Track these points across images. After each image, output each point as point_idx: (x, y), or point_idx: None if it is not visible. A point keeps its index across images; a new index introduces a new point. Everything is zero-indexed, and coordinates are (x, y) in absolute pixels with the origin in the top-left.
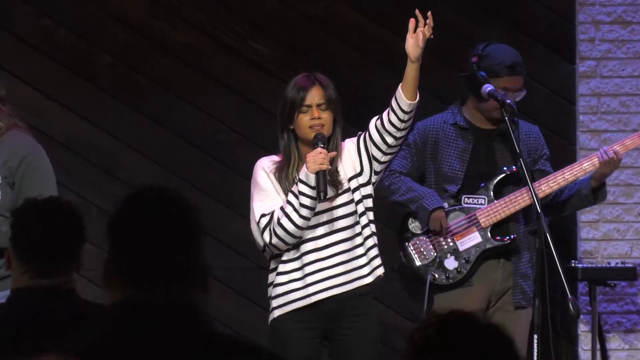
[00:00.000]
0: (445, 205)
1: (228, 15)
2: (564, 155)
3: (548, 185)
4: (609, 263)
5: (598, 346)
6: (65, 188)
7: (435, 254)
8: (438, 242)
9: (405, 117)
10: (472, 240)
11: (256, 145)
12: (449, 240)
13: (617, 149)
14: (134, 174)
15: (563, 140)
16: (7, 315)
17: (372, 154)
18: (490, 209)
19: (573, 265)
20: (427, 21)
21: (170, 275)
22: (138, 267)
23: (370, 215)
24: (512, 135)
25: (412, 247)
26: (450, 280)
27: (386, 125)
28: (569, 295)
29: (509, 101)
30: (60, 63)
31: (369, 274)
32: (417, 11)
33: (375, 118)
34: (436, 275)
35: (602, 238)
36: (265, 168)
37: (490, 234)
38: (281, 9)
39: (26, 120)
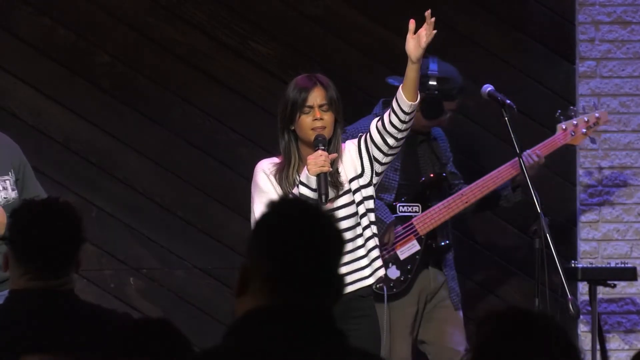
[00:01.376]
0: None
1: (228, 15)
2: (564, 156)
3: (472, 195)
4: (609, 263)
5: (598, 346)
6: (64, 188)
7: None
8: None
9: (406, 118)
10: (411, 248)
11: (256, 145)
12: (390, 250)
13: (539, 152)
14: (134, 173)
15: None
16: (5, 317)
17: (373, 155)
18: (427, 216)
19: (573, 265)
20: (431, 21)
21: (318, 284)
22: (293, 274)
23: (372, 216)
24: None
25: None
26: (394, 290)
27: (387, 127)
28: (569, 296)
29: (508, 101)
30: (60, 63)
31: (370, 275)
32: (427, 12)
33: (376, 119)
34: (380, 286)
35: (602, 238)
36: (265, 170)
37: (428, 241)
38: (281, 9)
39: (25, 119)
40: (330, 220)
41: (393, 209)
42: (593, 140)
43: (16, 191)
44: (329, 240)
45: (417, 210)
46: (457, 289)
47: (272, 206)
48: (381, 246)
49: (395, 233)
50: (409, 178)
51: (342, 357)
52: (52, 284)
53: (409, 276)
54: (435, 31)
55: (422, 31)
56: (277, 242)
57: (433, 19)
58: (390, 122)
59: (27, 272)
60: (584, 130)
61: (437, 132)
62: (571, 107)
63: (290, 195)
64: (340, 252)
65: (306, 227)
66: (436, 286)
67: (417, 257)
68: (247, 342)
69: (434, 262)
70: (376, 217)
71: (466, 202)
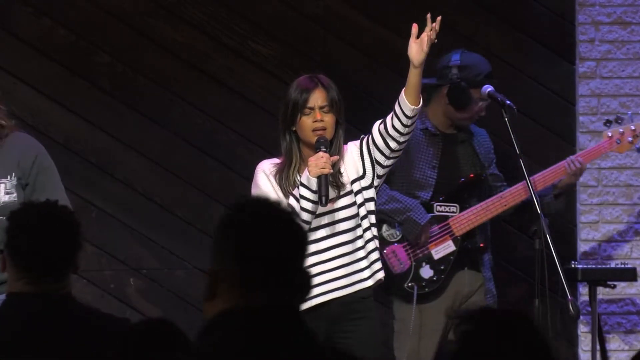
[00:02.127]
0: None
1: (228, 15)
2: (564, 156)
3: (511, 198)
4: (609, 264)
5: (598, 347)
6: (64, 188)
7: (411, 262)
8: (413, 251)
9: (408, 122)
10: (446, 248)
11: (256, 145)
12: (424, 249)
13: (582, 159)
14: (133, 173)
15: (563, 141)
16: (2, 320)
17: (374, 158)
18: (464, 217)
19: (573, 266)
20: (434, 25)
21: (285, 283)
22: (259, 275)
23: (372, 218)
24: (514, 139)
25: (388, 256)
26: (426, 289)
27: (389, 130)
28: (569, 296)
29: (509, 102)
30: (60, 63)
31: (369, 277)
32: (428, 15)
33: (378, 122)
34: (414, 285)
35: (602, 239)
36: (265, 171)
37: (465, 242)
38: (281, 9)
39: (25, 120)
40: (292, 217)
41: (430, 208)
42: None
43: (14, 195)
44: (292, 239)
45: (455, 210)
46: (493, 290)
47: (235, 208)
48: (415, 246)
49: (431, 232)
50: (447, 177)
51: (314, 357)
52: (49, 287)
53: (442, 276)
54: (436, 35)
55: (425, 35)
56: (243, 244)
57: (438, 20)
58: (393, 126)
59: (24, 276)
60: (630, 138)
61: (480, 132)
62: (618, 115)
63: (290, 196)
64: (304, 249)
65: (270, 227)
66: (471, 290)
67: (451, 257)
68: (218, 345)
69: (471, 263)
70: (409, 217)
71: (505, 205)
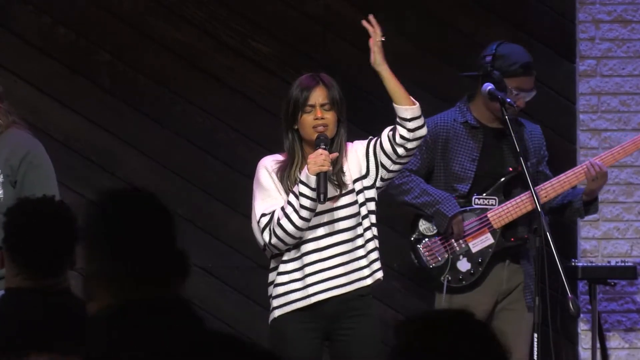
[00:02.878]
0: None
1: (228, 14)
2: (564, 154)
3: (553, 188)
4: (609, 262)
5: (598, 345)
6: (64, 187)
7: (448, 255)
8: (450, 244)
9: (411, 125)
10: (484, 241)
11: (256, 144)
12: (461, 241)
13: (600, 162)
14: (134, 172)
15: (563, 139)
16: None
17: (380, 161)
18: (502, 210)
19: (573, 264)
20: (372, 22)
21: (151, 272)
22: (122, 270)
23: (373, 218)
24: (512, 136)
25: (423, 249)
26: (463, 282)
27: (397, 139)
28: (569, 294)
29: (509, 100)
30: (60, 61)
31: (368, 276)
32: (363, 22)
33: (388, 128)
34: (449, 277)
35: (602, 237)
36: (267, 167)
37: (503, 235)
38: (281, 8)
39: (25, 118)
40: (153, 202)
41: (469, 201)
42: None
43: (0, 192)
44: (154, 226)
45: (494, 203)
46: (532, 286)
47: (97, 208)
48: (450, 239)
49: (469, 225)
50: (489, 170)
51: (200, 342)
52: (46, 283)
53: (480, 269)
54: (381, 32)
55: (371, 42)
56: (107, 242)
57: (370, 17)
58: (400, 135)
59: (22, 271)
60: None
61: (532, 126)
62: None
63: (289, 193)
64: (170, 231)
65: (133, 218)
66: (510, 287)
67: (489, 250)
68: (99, 342)
69: (512, 257)
70: (437, 210)
71: (545, 197)
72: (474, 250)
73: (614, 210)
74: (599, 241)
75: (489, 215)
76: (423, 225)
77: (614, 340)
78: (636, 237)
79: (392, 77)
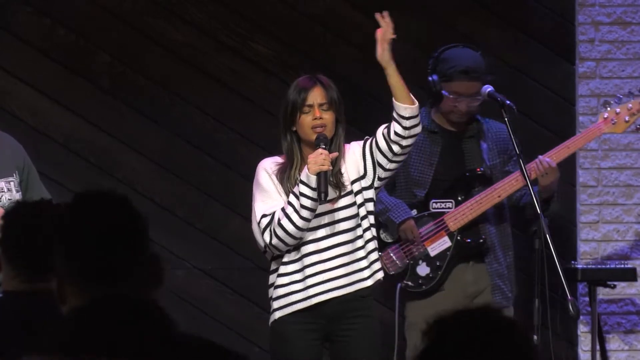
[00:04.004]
0: (414, 212)
1: (228, 15)
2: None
3: (507, 187)
4: (608, 264)
5: (598, 347)
6: (63, 188)
7: (408, 261)
8: (409, 250)
9: (407, 123)
10: (442, 245)
11: (256, 145)
12: (420, 246)
13: (549, 158)
14: (133, 173)
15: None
16: None
17: (377, 160)
18: (458, 212)
19: (573, 266)
20: (386, 20)
21: (120, 273)
22: (92, 270)
23: (372, 219)
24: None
25: (384, 258)
26: (423, 287)
27: (392, 136)
28: (569, 296)
29: (508, 102)
30: (59, 62)
31: (369, 277)
32: (376, 15)
33: (383, 126)
34: (409, 283)
35: (602, 239)
36: (267, 169)
37: (460, 237)
38: (281, 9)
39: (25, 119)
40: (123, 204)
41: (426, 205)
42: (638, 130)
43: (20, 193)
44: (124, 226)
45: (451, 206)
46: (502, 286)
47: (64, 208)
48: (404, 243)
49: (426, 229)
50: (449, 173)
51: (168, 344)
52: (44, 286)
53: (439, 273)
54: (392, 30)
55: (378, 33)
56: (69, 243)
57: (385, 14)
58: (395, 131)
59: (20, 274)
60: (627, 118)
61: (499, 126)
62: (618, 95)
63: (291, 194)
64: (141, 233)
65: (97, 220)
66: (478, 289)
67: (448, 253)
68: (71, 342)
69: (475, 259)
70: (387, 218)
71: (498, 197)
72: (432, 254)
73: (614, 212)
74: (599, 243)
75: (445, 218)
76: (383, 234)
77: (614, 342)
78: (636, 239)
79: (397, 74)
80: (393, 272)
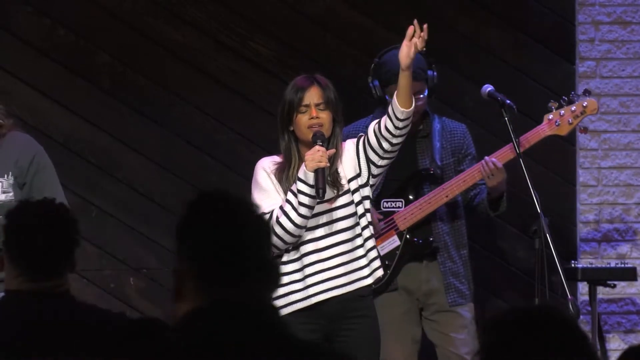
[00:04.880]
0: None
1: (228, 15)
2: (564, 156)
3: (455, 186)
4: (608, 263)
5: (598, 346)
6: (64, 188)
7: None
8: None
9: (400, 124)
10: (391, 244)
11: (255, 145)
12: None
13: (495, 159)
14: (134, 173)
15: (563, 141)
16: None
17: (369, 157)
18: (407, 212)
19: (573, 265)
20: (422, 34)
21: (248, 275)
22: (219, 271)
23: (369, 217)
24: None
25: None
26: (373, 286)
27: (382, 132)
28: (569, 296)
29: (508, 102)
30: (59, 62)
31: (369, 275)
32: (415, 21)
33: (374, 122)
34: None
35: (602, 238)
36: (266, 168)
37: (410, 236)
38: (281, 9)
39: (25, 119)
40: (248, 207)
41: (377, 205)
42: (584, 131)
43: (10, 194)
44: (250, 229)
45: (400, 205)
46: (457, 284)
47: (190, 206)
48: None
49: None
50: (399, 173)
51: (287, 349)
52: (46, 285)
53: (388, 272)
54: (425, 36)
55: (416, 41)
56: (200, 241)
57: (425, 28)
58: (386, 127)
59: (22, 273)
60: (570, 120)
61: (453, 125)
62: (563, 97)
63: (289, 192)
64: (266, 238)
65: (225, 221)
66: (429, 288)
67: (397, 252)
68: (192, 344)
69: (429, 258)
70: None
71: (446, 197)
72: (381, 253)
73: (614, 212)
74: (599, 242)
75: (394, 218)
76: None
77: (614, 342)
78: (636, 238)
79: (410, 78)
80: None
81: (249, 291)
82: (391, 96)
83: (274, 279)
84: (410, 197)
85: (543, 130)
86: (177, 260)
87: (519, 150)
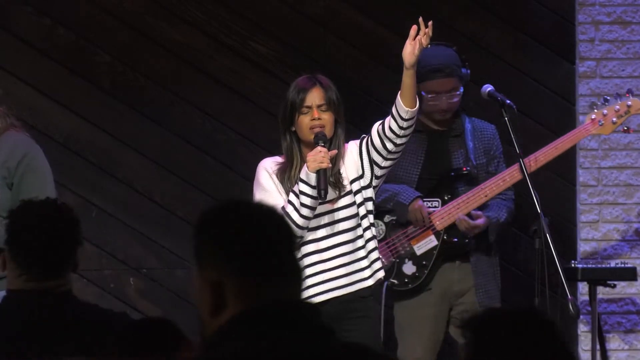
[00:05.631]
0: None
1: (228, 15)
2: (564, 156)
3: (494, 186)
4: (609, 263)
5: (598, 346)
6: (64, 188)
7: (393, 259)
8: (395, 248)
9: (404, 124)
10: (428, 243)
11: (255, 145)
12: (406, 245)
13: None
14: (134, 173)
15: None
16: (2, 317)
17: (372, 158)
18: (444, 211)
19: (573, 265)
20: (427, 30)
21: (286, 275)
22: (263, 272)
23: (371, 218)
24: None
25: None
26: (409, 285)
27: (387, 132)
28: (569, 296)
29: (509, 102)
30: (59, 62)
31: (370, 277)
32: (420, 19)
33: (377, 123)
34: (395, 281)
35: (602, 238)
36: (267, 169)
37: (447, 236)
38: (281, 9)
39: (25, 119)
40: (270, 210)
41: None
42: (627, 130)
43: None
44: (280, 231)
45: (437, 205)
46: (486, 284)
47: (215, 216)
48: (390, 242)
49: (413, 227)
50: (434, 172)
51: (333, 351)
52: (48, 285)
53: (425, 271)
54: (429, 40)
55: (420, 39)
56: (238, 248)
57: (430, 25)
58: (390, 128)
59: (24, 273)
60: (614, 119)
61: (483, 125)
62: (606, 97)
63: (291, 193)
64: (293, 239)
65: (257, 225)
66: (461, 288)
67: (434, 252)
68: (238, 351)
69: (461, 258)
70: (396, 202)
71: (485, 196)
72: (418, 252)
73: (614, 212)
74: (599, 242)
75: (432, 217)
76: (378, 227)
77: (614, 342)
78: (636, 238)
79: (414, 77)
80: None
81: (286, 292)
82: (427, 92)
83: (301, 280)
84: (447, 196)
85: (587, 129)
86: (212, 269)
87: (519, 150)
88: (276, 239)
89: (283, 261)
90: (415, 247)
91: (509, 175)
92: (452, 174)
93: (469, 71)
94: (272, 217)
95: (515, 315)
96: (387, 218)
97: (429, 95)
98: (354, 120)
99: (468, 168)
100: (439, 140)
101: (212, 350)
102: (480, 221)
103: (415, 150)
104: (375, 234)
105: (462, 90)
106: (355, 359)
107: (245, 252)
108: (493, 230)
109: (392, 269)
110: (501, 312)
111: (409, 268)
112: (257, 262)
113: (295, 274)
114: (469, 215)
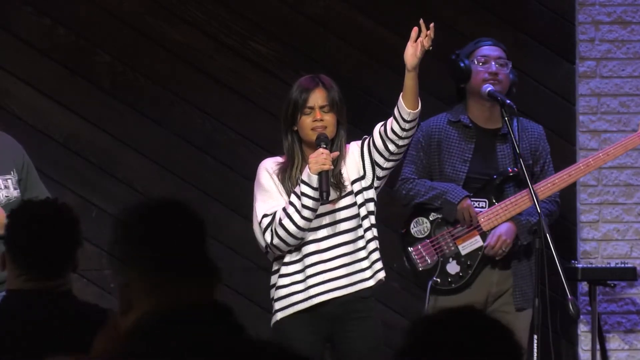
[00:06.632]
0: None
1: (228, 15)
2: (564, 156)
3: (547, 187)
4: (609, 263)
5: (598, 346)
6: (64, 188)
7: (437, 258)
8: (440, 247)
9: (406, 125)
10: (473, 244)
11: (256, 145)
12: (451, 244)
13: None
14: (133, 173)
15: (563, 141)
16: (2, 317)
17: (374, 160)
18: (492, 212)
19: (573, 265)
20: (428, 32)
21: (185, 278)
22: (165, 274)
23: (372, 219)
24: (512, 136)
25: (414, 252)
26: (453, 285)
27: (388, 133)
28: (569, 296)
29: (508, 101)
30: (60, 62)
31: (370, 277)
32: (421, 20)
33: (379, 124)
34: (438, 280)
35: (602, 238)
36: (268, 169)
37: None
38: (281, 9)
39: (25, 119)
40: (179, 214)
41: None
42: None
43: (18, 190)
44: (187, 233)
45: (484, 205)
46: (525, 287)
47: (126, 218)
48: (435, 240)
49: (459, 226)
50: (481, 171)
51: (241, 350)
52: (48, 285)
53: (469, 272)
54: (432, 35)
55: (422, 40)
56: (150, 248)
57: (432, 27)
58: (392, 129)
59: (24, 272)
60: None
61: (531, 125)
62: None
63: (292, 194)
64: (203, 237)
65: (170, 225)
66: (500, 289)
67: (479, 253)
68: (149, 348)
69: (502, 260)
70: (445, 200)
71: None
72: (463, 252)
73: (614, 212)
74: (599, 242)
75: (478, 217)
76: (414, 228)
77: (614, 342)
78: (636, 238)
79: (416, 79)
80: (422, 268)
81: (200, 293)
82: (477, 60)
83: (218, 278)
84: (494, 197)
85: (637, 139)
86: (124, 270)
87: (519, 150)
88: (182, 241)
89: (191, 263)
90: (460, 247)
91: (559, 179)
92: (500, 174)
93: (516, 79)
94: (180, 220)
95: (460, 314)
96: (432, 216)
97: (480, 59)
98: (354, 121)
99: (515, 169)
100: (488, 139)
101: (123, 347)
102: (501, 231)
103: (463, 147)
104: (376, 234)
105: (512, 76)
106: (262, 356)
107: (147, 255)
108: (523, 233)
109: (435, 268)
110: (445, 313)
111: (452, 268)
112: (159, 265)
113: (205, 274)
114: (483, 236)
